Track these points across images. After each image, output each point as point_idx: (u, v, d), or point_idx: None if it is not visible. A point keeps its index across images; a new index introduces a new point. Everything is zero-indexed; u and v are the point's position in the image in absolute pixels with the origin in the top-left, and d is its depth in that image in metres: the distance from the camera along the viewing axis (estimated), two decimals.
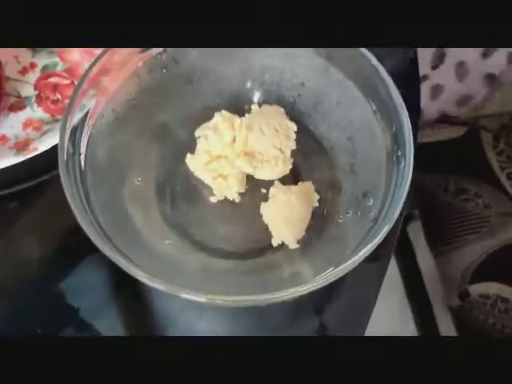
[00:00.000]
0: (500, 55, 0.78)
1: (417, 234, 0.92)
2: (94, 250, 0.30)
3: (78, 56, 0.44)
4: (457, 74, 0.83)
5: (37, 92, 0.43)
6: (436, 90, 0.87)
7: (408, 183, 0.32)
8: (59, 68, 0.44)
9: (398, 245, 0.41)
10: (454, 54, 0.78)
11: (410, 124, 0.33)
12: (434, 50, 0.77)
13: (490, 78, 0.83)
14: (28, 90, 0.43)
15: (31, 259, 0.40)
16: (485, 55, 0.78)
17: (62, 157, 0.32)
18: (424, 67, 0.79)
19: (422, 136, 0.96)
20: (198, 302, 0.29)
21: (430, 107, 0.91)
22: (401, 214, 0.32)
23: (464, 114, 0.91)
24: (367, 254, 0.30)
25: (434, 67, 0.80)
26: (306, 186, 0.38)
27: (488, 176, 0.85)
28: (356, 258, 0.30)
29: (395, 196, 0.32)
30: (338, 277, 0.30)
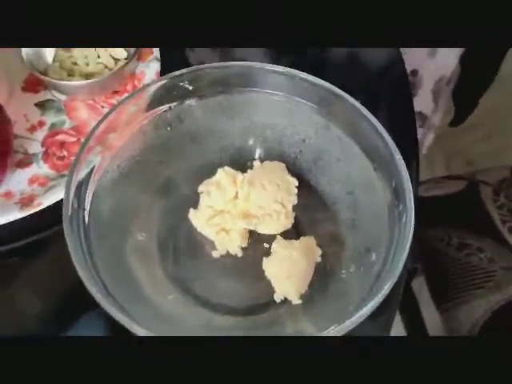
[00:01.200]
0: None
1: (421, 289, 0.91)
2: (97, 305, 0.30)
3: (85, 114, 0.46)
4: None
5: (44, 149, 0.44)
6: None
7: (410, 238, 0.32)
8: (67, 126, 0.45)
9: (403, 301, 0.41)
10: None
11: (409, 179, 0.34)
12: None
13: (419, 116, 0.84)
14: (35, 147, 0.44)
15: (32, 314, 0.39)
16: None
17: (67, 211, 0.33)
18: None
19: (421, 190, 0.97)
20: None
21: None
22: (404, 269, 0.32)
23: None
24: (371, 311, 0.30)
25: None
26: (308, 241, 0.38)
27: (490, 230, 0.85)
28: (360, 314, 0.29)
29: (398, 251, 0.32)
30: (341, 334, 0.29)
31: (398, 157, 0.35)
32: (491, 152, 1.10)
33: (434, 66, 0.69)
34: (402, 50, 0.55)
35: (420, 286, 0.94)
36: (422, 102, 0.75)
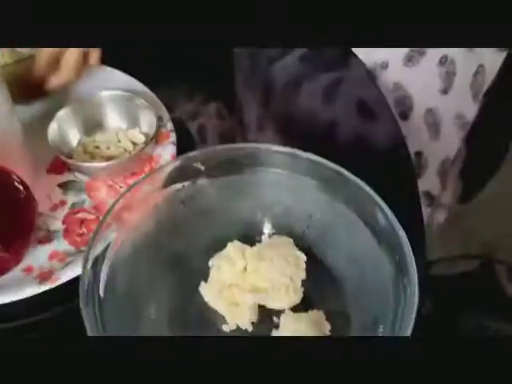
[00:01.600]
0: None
1: None
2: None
3: (104, 194, 0.49)
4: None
5: (64, 226, 0.46)
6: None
7: (415, 310, 0.32)
8: (87, 204, 0.48)
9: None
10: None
11: (411, 253, 0.35)
12: None
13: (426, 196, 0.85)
14: (56, 225, 0.46)
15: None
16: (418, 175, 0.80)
17: (84, 286, 0.34)
18: None
19: (436, 269, 0.97)
20: None
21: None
22: None
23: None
24: None
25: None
26: (317, 315, 0.39)
27: (507, 311, 0.83)
28: None
29: (403, 322, 0.33)
30: None
31: (401, 232, 0.36)
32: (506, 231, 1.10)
33: (437, 147, 0.72)
34: (404, 133, 0.58)
35: None
36: (429, 182, 0.77)
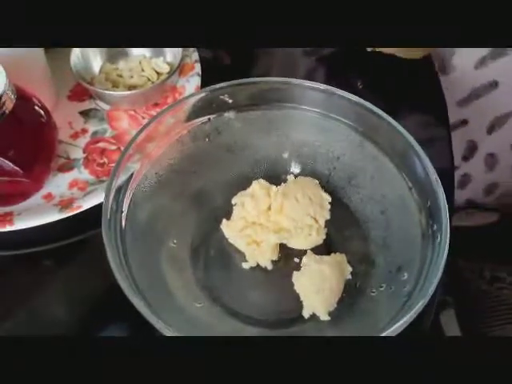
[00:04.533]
0: None
1: (450, 321, 0.89)
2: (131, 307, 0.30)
3: (126, 124, 0.47)
4: (486, 165, 0.85)
5: (85, 155, 0.45)
6: (464, 180, 0.88)
7: (444, 258, 0.32)
8: (108, 134, 0.47)
9: (430, 333, 0.40)
10: (485, 147, 0.81)
11: (445, 199, 0.33)
12: (465, 144, 0.80)
13: None
14: (77, 153, 0.46)
15: (66, 314, 0.40)
16: None
17: (106, 215, 0.34)
18: (455, 159, 0.81)
19: (454, 220, 0.96)
20: None
21: (457, 196, 0.91)
22: (435, 296, 0.31)
23: (492, 202, 0.91)
24: (400, 330, 0.29)
25: (465, 159, 0.83)
26: (339, 258, 0.38)
27: None
28: (388, 332, 0.29)
29: (431, 271, 0.32)
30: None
31: (435, 177, 0.35)
32: None
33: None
34: None
35: (449, 319, 0.92)
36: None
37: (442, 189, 0.34)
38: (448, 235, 0.32)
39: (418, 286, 0.32)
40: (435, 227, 0.34)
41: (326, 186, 0.41)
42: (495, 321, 0.78)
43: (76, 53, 0.48)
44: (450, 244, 0.32)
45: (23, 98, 0.39)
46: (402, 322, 0.29)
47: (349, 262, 0.38)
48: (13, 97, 0.37)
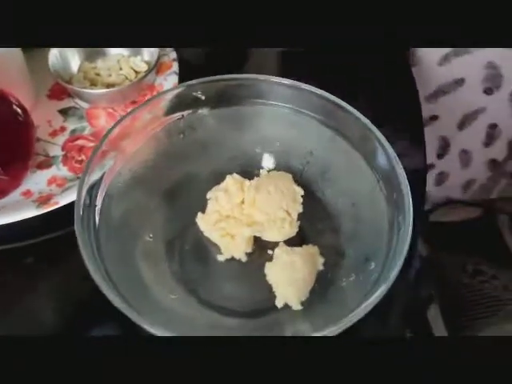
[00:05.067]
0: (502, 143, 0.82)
1: (436, 316, 0.90)
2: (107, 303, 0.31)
3: (104, 121, 0.48)
4: (461, 162, 0.86)
5: (64, 152, 0.46)
6: (441, 178, 0.90)
7: (407, 246, 0.33)
8: (86, 132, 0.48)
9: (417, 328, 0.41)
10: (457, 143, 0.82)
11: (409, 191, 0.34)
12: (437, 140, 0.81)
13: (493, 163, 0.86)
14: (56, 151, 0.46)
15: (44, 311, 0.41)
16: (487, 144, 0.82)
17: (79, 210, 0.34)
18: (430, 157, 0.83)
19: (438, 215, 0.97)
20: None
21: (435, 193, 0.93)
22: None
23: (471, 198, 0.93)
24: (365, 312, 0.30)
25: (440, 156, 0.84)
26: (311, 250, 0.39)
27: (505, 258, 0.84)
28: (353, 315, 0.30)
29: (395, 258, 0.33)
30: (336, 333, 0.30)
31: (400, 170, 0.36)
32: None
33: None
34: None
35: (435, 313, 0.93)
36: (497, 151, 0.81)
37: (407, 181, 0.35)
38: (411, 224, 0.33)
39: (383, 273, 0.33)
40: (400, 218, 0.35)
41: (300, 180, 0.42)
42: (478, 313, 0.79)
43: (54, 52, 0.48)
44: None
45: (0, 97, 0.40)
46: (364, 304, 0.31)
47: (321, 253, 0.39)
48: None
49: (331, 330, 0.30)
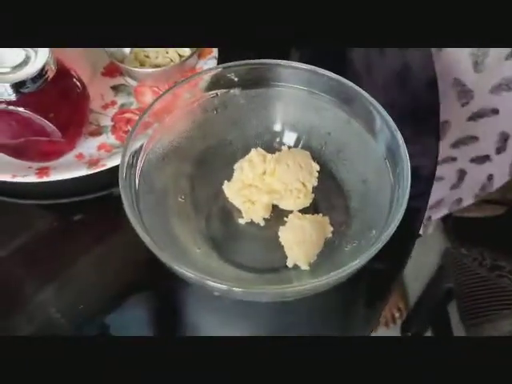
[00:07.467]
0: None
1: (452, 305, 0.92)
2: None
3: (150, 98, 0.54)
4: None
5: (113, 123, 0.53)
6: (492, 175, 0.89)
7: (401, 214, 0.37)
8: (133, 106, 0.54)
9: (437, 322, 0.44)
10: None
11: (409, 166, 0.39)
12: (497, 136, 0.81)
13: None
14: (106, 121, 0.53)
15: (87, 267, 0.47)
16: None
17: (122, 172, 0.40)
18: (488, 150, 0.84)
19: (463, 211, 0.99)
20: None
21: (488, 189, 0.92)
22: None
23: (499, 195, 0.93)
24: (360, 264, 0.35)
25: (498, 151, 0.84)
26: (321, 219, 0.44)
27: None
28: (352, 264, 0.35)
29: (392, 226, 0.37)
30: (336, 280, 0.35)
31: (402, 148, 0.39)
32: None
33: None
34: None
35: (452, 303, 0.95)
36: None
37: (408, 159, 0.39)
38: (405, 200, 0.37)
39: (380, 238, 0.38)
40: (399, 192, 0.39)
41: (318, 158, 0.47)
42: (492, 305, 0.82)
43: None
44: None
45: (63, 69, 0.47)
46: (356, 262, 0.35)
47: (331, 223, 0.44)
48: (53, 68, 0.45)
49: (330, 276, 0.35)
